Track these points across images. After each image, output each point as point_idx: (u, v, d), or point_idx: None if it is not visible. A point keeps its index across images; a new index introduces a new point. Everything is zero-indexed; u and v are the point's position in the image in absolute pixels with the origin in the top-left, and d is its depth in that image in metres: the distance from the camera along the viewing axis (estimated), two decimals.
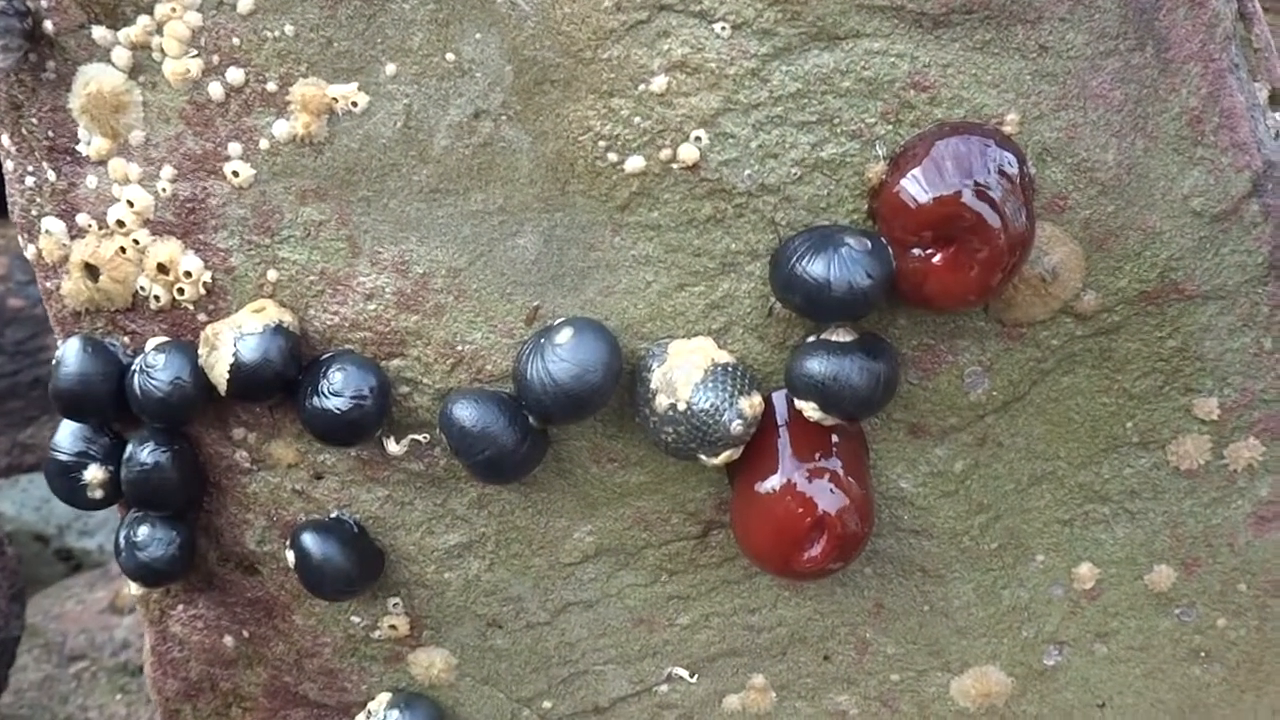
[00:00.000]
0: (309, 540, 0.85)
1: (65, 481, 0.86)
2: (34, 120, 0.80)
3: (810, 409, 0.78)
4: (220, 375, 0.79)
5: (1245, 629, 0.91)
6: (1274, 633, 0.91)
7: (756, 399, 0.78)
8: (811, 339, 0.78)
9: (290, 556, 0.85)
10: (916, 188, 0.74)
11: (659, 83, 0.74)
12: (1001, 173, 0.73)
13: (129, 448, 0.85)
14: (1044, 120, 0.75)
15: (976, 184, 0.73)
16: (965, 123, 0.75)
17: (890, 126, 0.75)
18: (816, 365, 0.76)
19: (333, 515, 0.87)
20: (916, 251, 0.75)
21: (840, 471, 0.81)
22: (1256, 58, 0.78)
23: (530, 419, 0.79)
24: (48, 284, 0.85)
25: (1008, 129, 0.75)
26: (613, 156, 0.76)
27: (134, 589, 0.90)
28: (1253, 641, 0.91)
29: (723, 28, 0.73)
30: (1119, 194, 0.77)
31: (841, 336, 0.78)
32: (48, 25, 0.77)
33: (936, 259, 0.74)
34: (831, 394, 0.76)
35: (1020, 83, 0.74)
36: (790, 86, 0.74)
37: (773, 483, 0.80)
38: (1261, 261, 0.80)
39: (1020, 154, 0.74)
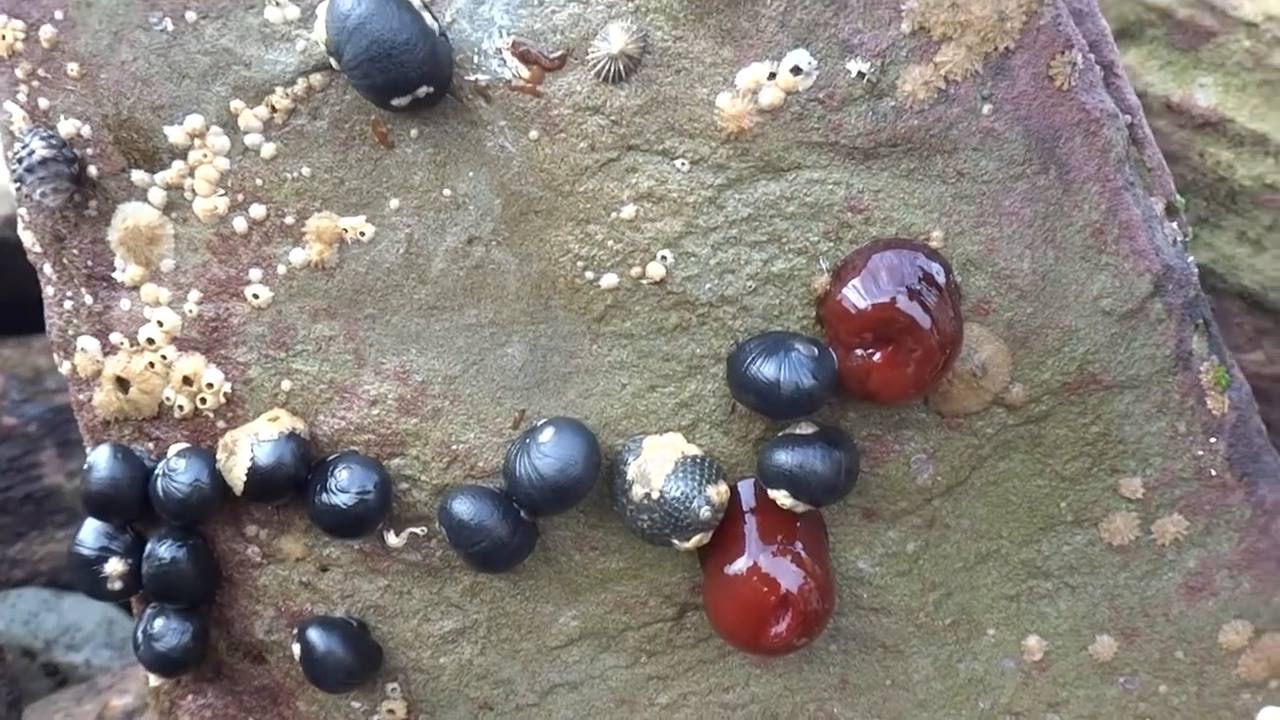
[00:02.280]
0: (314, 635, 0.95)
1: (87, 574, 0.96)
2: (75, 251, 0.93)
3: (782, 496, 0.89)
4: (237, 478, 0.91)
5: (1185, 695, 1.01)
6: (1212, 698, 1.01)
7: (723, 487, 0.90)
8: (780, 434, 0.90)
9: (296, 649, 0.95)
10: (856, 296, 0.87)
11: (629, 211, 0.88)
12: (930, 281, 0.86)
13: (149, 544, 0.96)
14: (965, 235, 0.88)
15: (909, 290, 0.86)
16: (897, 239, 0.88)
17: (831, 243, 0.88)
18: (784, 456, 0.88)
19: (337, 613, 0.98)
20: (859, 352, 0.87)
21: (802, 553, 0.92)
22: (1151, 176, 0.93)
23: (521, 512, 0.91)
24: (80, 396, 0.97)
25: (934, 243, 0.88)
26: (590, 274, 0.89)
27: (151, 680, 1.00)
28: (1193, 707, 1.01)
29: (683, 163, 0.87)
30: (1036, 297, 0.90)
31: (804, 429, 0.90)
32: (92, 169, 0.91)
33: (877, 358, 0.87)
34: (799, 481, 0.88)
35: (942, 203, 0.88)
36: (743, 212, 0.88)
37: (740, 564, 0.91)
38: (1169, 354, 0.92)
39: (946, 264, 0.88)
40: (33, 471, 2.28)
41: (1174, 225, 0.94)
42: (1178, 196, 0.95)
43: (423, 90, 0.80)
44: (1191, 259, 0.94)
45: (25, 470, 2.40)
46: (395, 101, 0.81)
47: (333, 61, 0.80)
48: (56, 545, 2.35)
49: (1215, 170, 1.26)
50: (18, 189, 0.89)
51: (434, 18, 0.82)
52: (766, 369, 0.86)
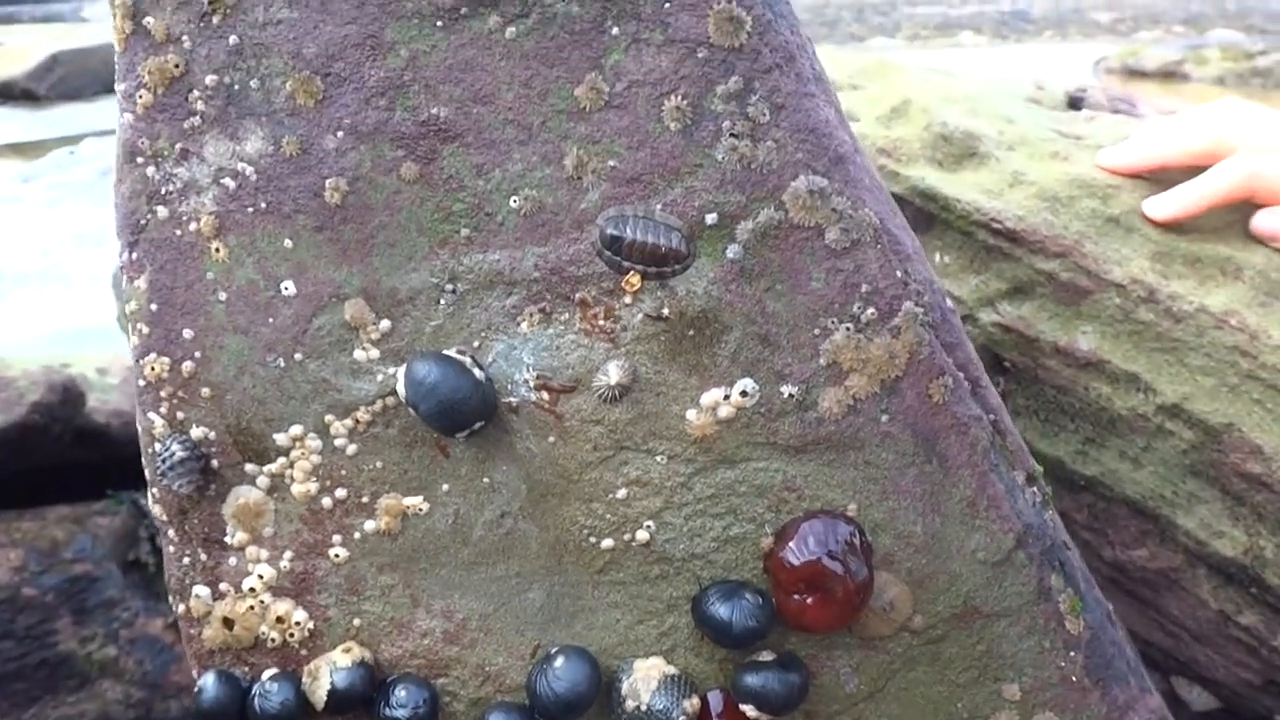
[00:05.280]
0: None
1: None
2: (195, 521, 1.27)
3: (750, 710, 1.21)
4: (319, 698, 1.23)
5: None
6: None
7: (695, 700, 1.22)
8: (746, 660, 1.23)
9: None
10: (792, 555, 1.21)
11: (622, 493, 1.22)
12: (848, 542, 1.21)
13: None
14: (873, 507, 1.24)
15: (830, 552, 1.20)
16: (822, 511, 1.23)
17: (774, 514, 1.23)
18: (750, 679, 1.20)
19: None
20: (796, 597, 1.21)
21: None
22: (1013, 455, 1.29)
23: None
24: (190, 630, 1.29)
25: (850, 513, 1.23)
26: (593, 539, 1.23)
27: None
28: None
29: (662, 459, 1.22)
30: (929, 551, 1.25)
31: (765, 656, 1.23)
32: (214, 462, 1.25)
33: (810, 601, 1.20)
34: (763, 698, 1.20)
35: (855, 484, 1.23)
36: (707, 492, 1.23)
37: None
38: (1033, 589, 1.27)
39: (860, 528, 1.22)
40: (48, 639, 2.56)
41: (1034, 490, 1.30)
42: (1036, 468, 1.31)
43: (477, 425, 1.16)
44: (1050, 513, 1.30)
45: (41, 638, 2.67)
46: (457, 436, 1.16)
47: (410, 410, 1.16)
48: (69, 709, 2.63)
49: (1098, 401, 1.59)
50: (159, 481, 1.23)
51: (480, 368, 1.17)
52: (721, 610, 1.20)
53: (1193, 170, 1.57)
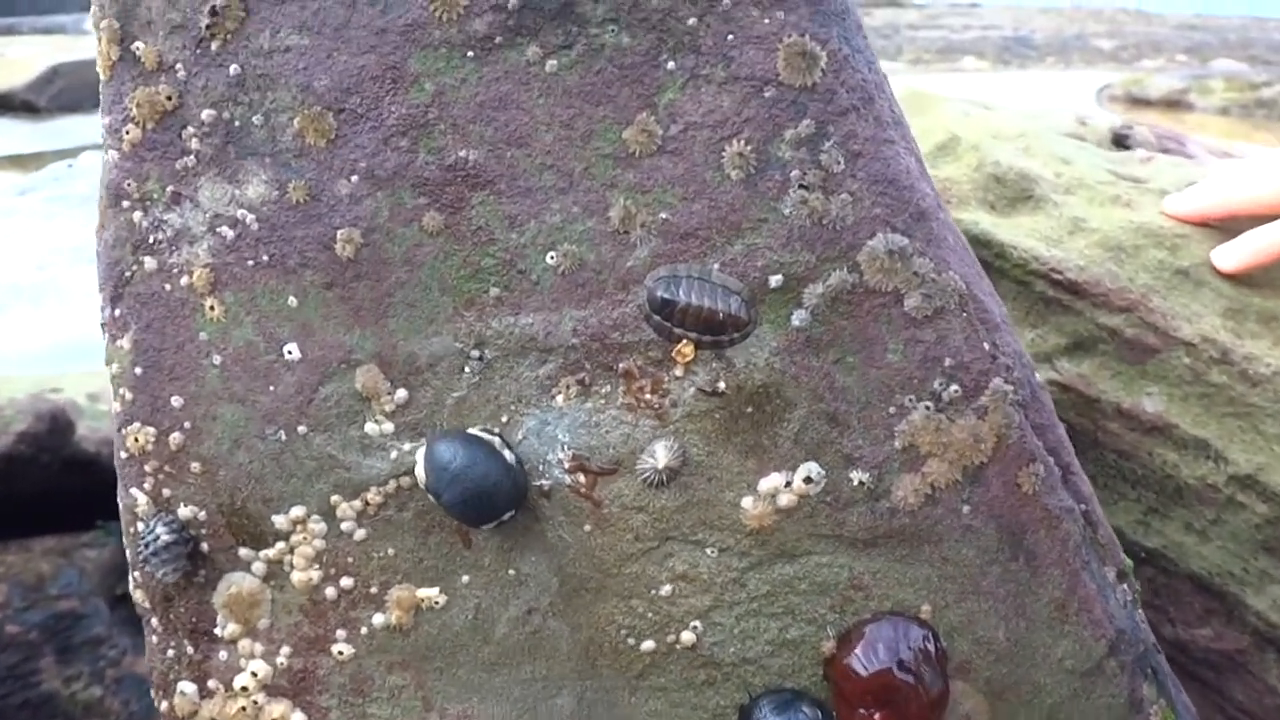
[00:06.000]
0: None
1: None
2: (182, 609, 1.10)
3: None
4: None
5: None
6: None
7: None
8: None
9: None
10: (859, 663, 1.05)
11: (666, 589, 1.06)
12: (922, 649, 1.05)
13: None
14: (950, 609, 1.07)
15: (901, 661, 1.04)
16: (892, 612, 1.07)
17: (837, 615, 1.07)
18: None
19: None
20: (862, 711, 1.05)
21: None
22: (1104, 549, 1.13)
23: None
24: None
25: (923, 615, 1.07)
26: (631, 641, 1.07)
27: None
28: None
29: (712, 550, 1.06)
30: (1010, 660, 1.08)
31: None
32: (204, 545, 1.08)
33: (877, 716, 1.04)
34: None
35: (930, 583, 1.07)
36: (763, 589, 1.06)
37: None
38: (1124, 701, 1.11)
39: (935, 633, 1.06)
40: (31, 678, 2.40)
41: (1124, 587, 1.14)
42: (1128, 562, 1.15)
43: (506, 515, 0.99)
44: (1140, 614, 1.14)
45: (24, 677, 2.51)
46: (484, 527, 1.00)
47: (431, 498, 0.99)
48: None
49: (1163, 469, 1.45)
50: (141, 566, 1.06)
51: (510, 448, 1.01)
52: None
53: (1264, 219, 1.44)
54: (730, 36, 0.98)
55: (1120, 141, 1.95)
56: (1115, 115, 2.19)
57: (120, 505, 1.09)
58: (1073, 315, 1.48)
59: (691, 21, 0.98)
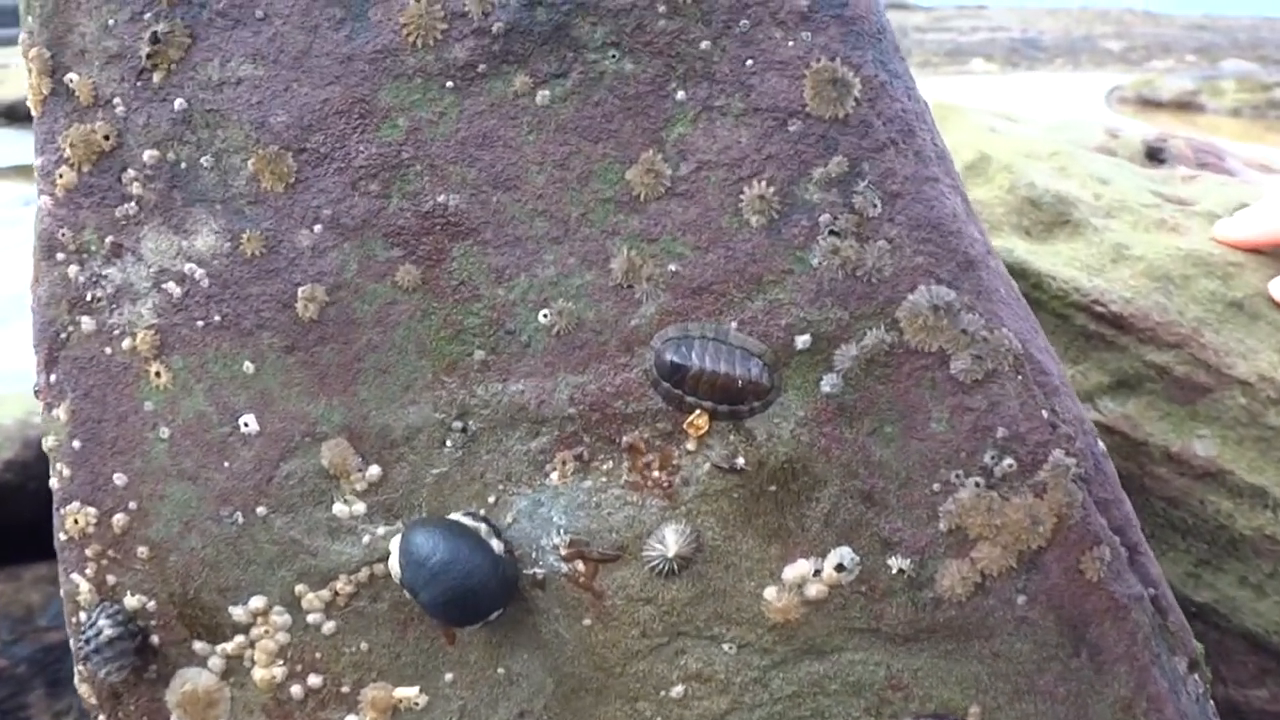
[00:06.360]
0: None
1: None
2: (131, 707, 0.97)
3: None
4: None
5: None
6: None
7: None
8: None
9: None
10: None
11: (678, 690, 0.92)
12: None
13: None
14: (1001, 710, 0.94)
15: None
16: (935, 714, 0.93)
17: (873, 718, 0.93)
18: None
19: None
20: None
21: None
22: (1174, 638, 0.99)
23: None
24: None
25: (971, 719, 0.93)
26: None
27: None
28: None
29: (730, 647, 0.92)
30: None
31: None
32: (154, 638, 0.95)
33: None
34: None
35: (980, 681, 0.93)
36: (787, 690, 0.93)
37: None
38: None
39: None
40: (20, 713, 2.29)
41: (1195, 678, 0.99)
42: (1198, 649, 1.01)
43: (493, 615, 0.86)
44: (1211, 707, 1.00)
45: (13, 712, 2.40)
46: (467, 629, 0.86)
47: (406, 593, 0.86)
48: None
49: (1216, 518, 1.34)
50: (84, 663, 0.93)
51: (498, 534, 0.88)
52: None
53: None
54: (749, 62, 0.84)
55: (1154, 155, 1.81)
56: (1146, 126, 2.05)
57: (62, 592, 0.96)
58: (1117, 351, 1.36)
59: (704, 45, 0.84)
